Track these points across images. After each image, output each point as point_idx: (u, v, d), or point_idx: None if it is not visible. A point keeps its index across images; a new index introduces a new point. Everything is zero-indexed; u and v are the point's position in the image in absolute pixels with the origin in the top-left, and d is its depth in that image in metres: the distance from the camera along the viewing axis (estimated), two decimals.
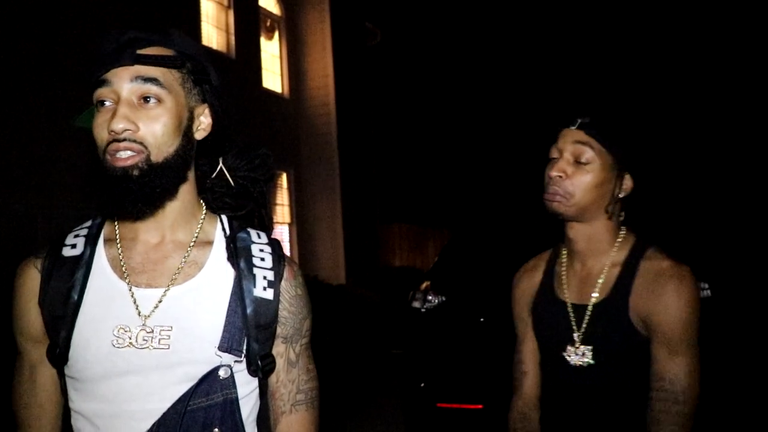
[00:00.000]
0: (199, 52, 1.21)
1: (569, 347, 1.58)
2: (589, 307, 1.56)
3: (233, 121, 1.29)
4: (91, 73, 1.13)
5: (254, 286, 1.18)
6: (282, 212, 10.93)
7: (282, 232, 10.87)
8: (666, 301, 1.46)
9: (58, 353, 1.10)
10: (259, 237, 1.26)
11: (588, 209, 1.54)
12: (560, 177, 1.52)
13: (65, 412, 1.16)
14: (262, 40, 10.84)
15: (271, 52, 11.21)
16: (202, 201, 1.26)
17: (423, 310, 4.31)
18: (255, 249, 1.23)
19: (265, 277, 1.20)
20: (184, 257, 1.17)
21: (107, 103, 1.11)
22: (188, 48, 1.18)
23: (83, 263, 1.15)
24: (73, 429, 1.14)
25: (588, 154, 1.52)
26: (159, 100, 1.11)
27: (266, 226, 1.35)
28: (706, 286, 3.57)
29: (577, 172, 1.52)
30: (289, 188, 11.13)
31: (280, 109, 11.00)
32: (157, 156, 1.10)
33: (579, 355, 1.56)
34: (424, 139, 20.53)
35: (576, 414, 1.59)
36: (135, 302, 1.12)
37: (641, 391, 1.49)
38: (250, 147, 1.33)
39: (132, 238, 1.18)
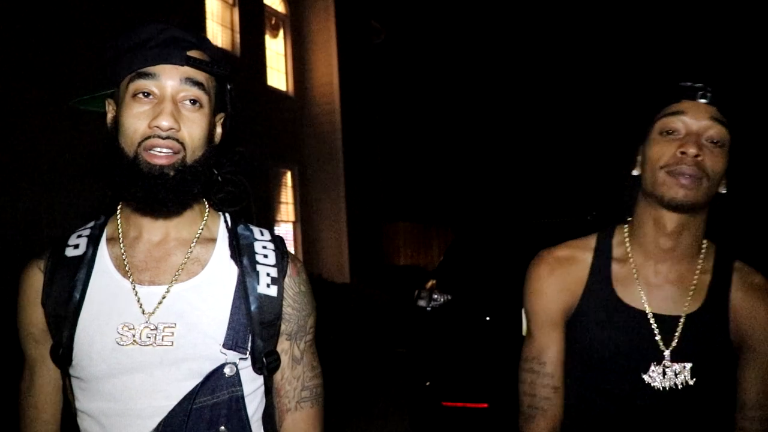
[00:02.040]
0: (224, 59, 1.22)
1: (654, 366, 1.31)
2: (683, 318, 1.32)
3: (238, 131, 1.32)
4: (132, 61, 1.11)
5: (258, 284, 1.18)
6: (286, 210, 10.93)
7: (286, 231, 10.87)
8: None
9: (62, 353, 1.11)
10: (262, 234, 1.27)
11: (708, 200, 1.31)
12: (698, 155, 1.26)
13: (71, 413, 1.16)
14: (267, 38, 10.83)
15: (276, 50, 11.21)
16: (204, 200, 1.27)
17: (428, 308, 4.31)
18: (258, 246, 1.23)
19: (268, 274, 1.20)
20: (187, 254, 1.18)
21: (148, 96, 1.10)
22: (217, 55, 1.20)
23: (85, 262, 1.15)
24: (79, 429, 1.14)
25: (723, 133, 1.28)
26: (200, 105, 1.13)
27: (257, 221, 1.35)
28: None
29: (711, 153, 1.28)
30: (294, 186, 11.13)
31: (284, 107, 11.00)
32: (191, 158, 1.11)
33: (671, 374, 1.31)
34: (428, 138, 20.52)
35: None
36: (138, 300, 1.12)
37: (730, 415, 1.32)
38: (229, 144, 1.32)
39: (135, 237, 1.18)
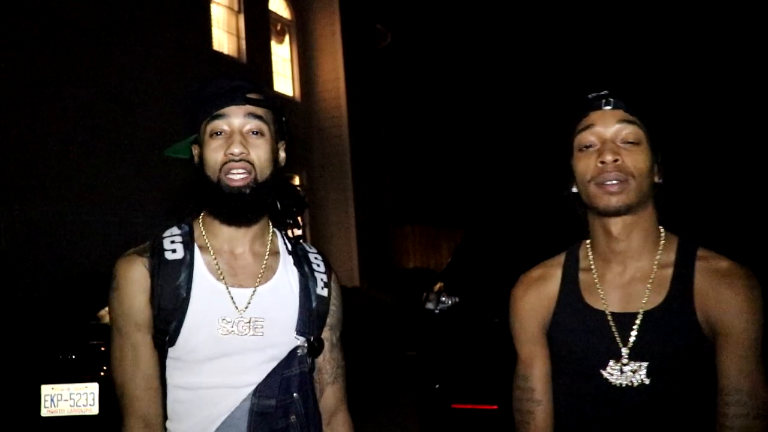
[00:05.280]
0: (276, 98, 1.52)
1: (612, 363, 1.35)
2: (639, 315, 1.35)
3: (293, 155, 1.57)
4: (206, 109, 1.42)
5: (316, 286, 1.51)
6: None
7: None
8: (737, 303, 1.29)
9: (168, 339, 1.36)
10: (310, 248, 1.61)
11: (644, 197, 1.36)
12: (616, 160, 1.33)
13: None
14: (273, 44, 10.88)
15: (282, 55, 11.25)
16: (269, 220, 1.54)
17: (437, 311, 4.31)
18: (312, 257, 1.57)
19: (322, 279, 1.53)
20: (263, 264, 1.48)
21: (221, 134, 1.40)
22: (272, 96, 1.49)
23: (186, 266, 1.41)
24: (167, 399, 1.39)
25: (635, 131, 1.36)
26: (262, 134, 1.43)
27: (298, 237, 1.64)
28: None
29: (630, 153, 1.34)
30: (302, 191, 11.15)
31: (291, 112, 11.01)
32: (261, 176, 1.41)
33: (627, 372, 1.34)
34: (436, 140, 20.52)
35: None
36: (232, 299, 1.41)
37: (699, 410, 1.32)
38: (290, 182, 1.61)
39: (220, 248, 1.46)
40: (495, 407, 3.89)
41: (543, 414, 1.45)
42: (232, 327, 1.38)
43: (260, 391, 1.38)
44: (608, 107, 1.38)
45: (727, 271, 1.33)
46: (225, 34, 9.73)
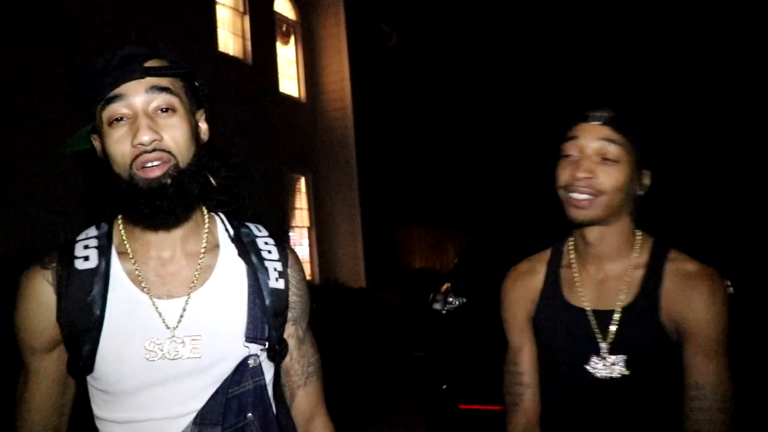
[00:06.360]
0: (185, 61, 1.24)
1: (594, 358, 1.44)
2: (616, 312, 1.43)
3: (217, 125, 1.34)
4: (97, 92, 1.14)
5: (268, 278, 1.24)
6: (301, 216, 10.96)
7: (301, 236, 10.90)
8: (701, 304, 1.37)
9: (82, 365, 1.12)
10: (259, 230, 1.33)
11: (615, 211, 1.41)
12: (589, 177, 1.38)
13: (83, 418, 1.19)
14: (278, 45, 10.88)
15: (287, 56, 11.25)
16: (202, 206, 1.28)
17: (444, 311, 4.30)
18: (260, 242, 1.30)
19: (275, 269, 1.27)
20: (198, 265, 1.21)
21: (122, 120, 1.12)
22: (178, 58, 1.22)
23: (100, 276, 1.15)
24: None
25: (616, 151, 1.38)
26: (174, 110, 1.15)
27: (249, 219, 1.38)
28: (729, 283, 3.53)
29: (606, 171, 1.38)
30: (308, 192, 11.16)
31: (297, 114, 11.04)
32: (183, 162, 1.14)
33: (608, 365, 1.42)
34: (441, 140, 20.49)
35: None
36: (160, 314, 1.15)
37: (673, 400, 1.39)
38: (223, 148, 1.32)
39: (145, 253, 1.20)
40: (502, 408, 3.88)
41: (531, 397, 1.57)
42: (162, 349, 1.13)
43: (201, 417, 1.13)
44: (594, 122, 1.41)
45: (694, 274, 1.41)
46: (230, 36, 9.74)
